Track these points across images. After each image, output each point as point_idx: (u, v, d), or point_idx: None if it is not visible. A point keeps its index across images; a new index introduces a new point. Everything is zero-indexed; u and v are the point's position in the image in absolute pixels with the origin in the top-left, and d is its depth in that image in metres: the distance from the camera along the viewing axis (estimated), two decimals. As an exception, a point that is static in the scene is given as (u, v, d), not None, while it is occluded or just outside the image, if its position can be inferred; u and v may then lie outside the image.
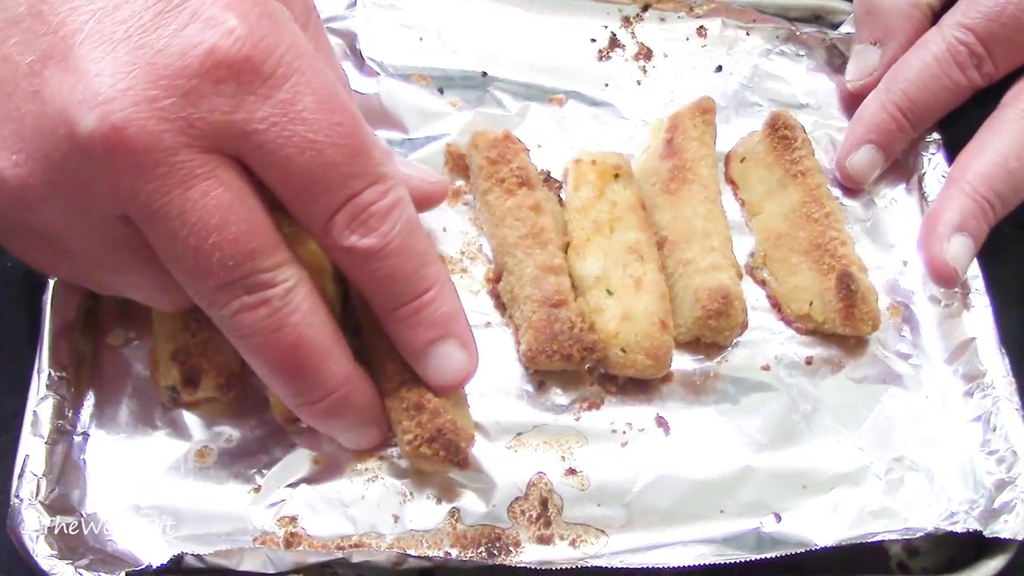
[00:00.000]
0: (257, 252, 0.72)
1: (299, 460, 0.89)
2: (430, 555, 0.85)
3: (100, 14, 0.69)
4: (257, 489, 0.87)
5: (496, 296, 0.99)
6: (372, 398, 0.85)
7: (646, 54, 1.16)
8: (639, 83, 1.14)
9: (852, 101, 1.12)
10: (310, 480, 0.88)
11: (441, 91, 1.10)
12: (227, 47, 0.69)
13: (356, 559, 0.82)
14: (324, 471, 0.89)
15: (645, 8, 1.18)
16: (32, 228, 0.75)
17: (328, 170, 0.73)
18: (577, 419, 0.94)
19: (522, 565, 0.84)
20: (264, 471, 0.88)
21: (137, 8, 0.69)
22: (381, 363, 0.87)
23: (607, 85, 1.14)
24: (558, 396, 0.95)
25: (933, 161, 1.08)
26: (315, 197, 0.74)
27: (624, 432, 0.93)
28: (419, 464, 0.87)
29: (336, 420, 0.83)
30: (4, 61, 0.70)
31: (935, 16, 1.10)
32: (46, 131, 0.69)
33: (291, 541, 0.85)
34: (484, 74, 1.12)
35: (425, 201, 0.94)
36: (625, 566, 0.84)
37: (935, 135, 1.10)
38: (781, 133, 1.04)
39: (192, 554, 0.80)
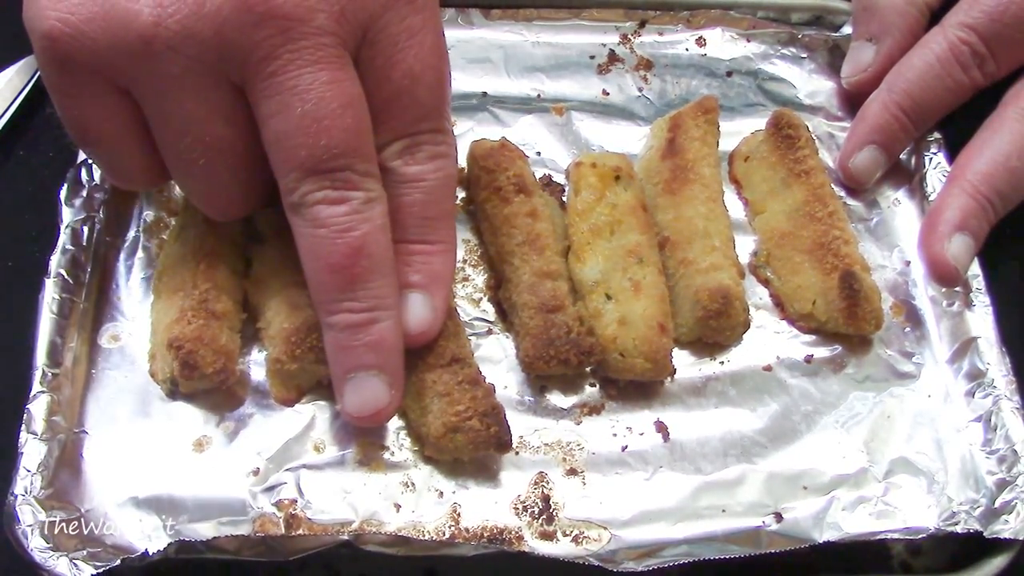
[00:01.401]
0: (358, 152, 0.77)
1: (299, 445, 0.89)
2: (433, 543, 0.84)
3: None
4: (256, 472, 0.87)
5: (497, 303, 0.99)
6: (399, 345, 0.85)
7: (646, 65, 1.17)
8: (640, 90, 1.15)
9: (854, 101, 1.13)
10: (310, 466, 0.88)
11: None
12: None
13: (359, 544, 0.81)
14: (324, 457, 0.89)
15: (642, 24, 1.19)
16: (138, 82, 0.76)
17: (413, 103, 0.81)
18: (578, 423, 0.93)
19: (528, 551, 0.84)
20: (263, 455, 0.88)
21: None
22: (434, 341, 0.89)
23: (607, 94, 1.14)
24: (559, 401, 0.95)
25: (934, 161, 1.09)
26: (391, 118, 0.81)
27: (625, 436, 0.93)
28: (448, 443, 0.86)
29: (363, 338, 0.82)
30: None
31: (932, 15, 1.10)
32: None
33: (291, 524, 0.84)
34: (484, 94, 1.12)
35: None
36: (629, 566, 0.83)
37: (936, 135, 1.10)
38: (785, 132, 1.04)
39: (191, 541, 0.80)
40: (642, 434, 0.93)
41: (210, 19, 0.72)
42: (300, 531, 0.84)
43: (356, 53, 0.78)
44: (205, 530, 0.82)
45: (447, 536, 0.85)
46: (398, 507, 0.87)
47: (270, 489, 0.86)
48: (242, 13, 0.72)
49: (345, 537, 0.80)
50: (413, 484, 0.88)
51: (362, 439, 0.89)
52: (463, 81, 1.13)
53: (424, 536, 0.85)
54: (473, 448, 0.87)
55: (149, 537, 0.83)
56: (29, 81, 1.09)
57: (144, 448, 0.88)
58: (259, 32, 0.72)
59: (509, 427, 0.87)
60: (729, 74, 1.17)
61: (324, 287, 0.81)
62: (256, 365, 0.93)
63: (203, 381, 0.87)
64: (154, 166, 0.83)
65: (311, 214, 0.78)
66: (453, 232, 0.89)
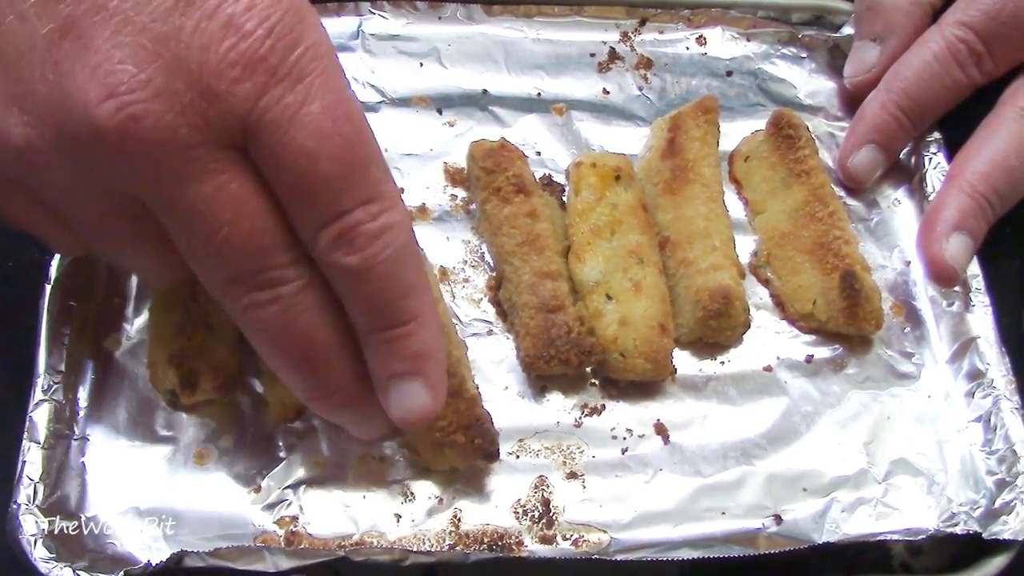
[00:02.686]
0: (269, 249, 0.71)
1: (299, 461, 0.89)
2: (433, 552, 0.85)
3: None
4: (258, 490, 0.87)
5: (497, 304, 0.99)
6: (373, 409, 0.82)
7: (646, 64, 1.16)
8: (640, 89, 1.15)
9: (854, 101, 1.12)
10: (310, 481, 0.88)
11: (440, 111, 1.11)
12: (247, 45, 0.68)
13: (357, 558, 0.82)
14: (325, 472, 0.89)
15: (643, 23, 1.19)
16: (32, 189, 0.73)
17: (321, 182, 0.70)
18: (578, 424, 0.94)
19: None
20: (264, 472, 0.88)
21: None
22: None
23: (608, 92, 1.14)
24: (560, 401, 0.95)
25: (934, 160, 1.08)
26: (305, 206, 0.71)
27: (625, 439, 0.93)
28: (438, 457, 0.87)
29: (347, 412, 0.82)
30: (21, 19, 0.68)
31: (936, 15, 1.10)
32: (60, 106, 0.67)
33: (292, 541, 0.85)
34: (484, 92, 1.12)
35: None
36: (627, 558, 0.84)
37: (936, 134, 1.10)
38: (785, 132, 1.04)
39: (192, 552, 0.80)
40: (642, 436, 0.93)
41: (74, 144, 0.68)
42: (301, 546, 0.84)
43: (245, 145, 0.70)
44: (206, 547, 0.82)
45: (448, 544, 0.86)
46: (398, 517, 0.87)
47: (271, 506, 0.87)
48: (100, 142, 0.67)
49: (343, 554, 0.81)
50: (413, 494, 0.88)
51: (362, 453, 0.90)
52: (463, 78, 1.13)
53: (425, 544, 0.85)
54: (462, 460, 0.87)
55: (150, 547, 0.83)
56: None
57: (146, 458, 0.88)
58: (124, 159, 0.67)
59: (496, 436, 0.87)
60: (729, 74, 1.16)
61: (289, 380, 0.78)
62: (256, 378, 0.93)
63: (204, 395, 0.88)
64: (80, 241, 0.79)
65: (247, 319, 0.73)
66: (428, 297, 0.78)
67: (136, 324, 0.94)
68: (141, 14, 0.67)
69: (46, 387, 0.88)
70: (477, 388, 0.90)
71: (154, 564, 0.80)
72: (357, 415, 0.82)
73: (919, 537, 0.89)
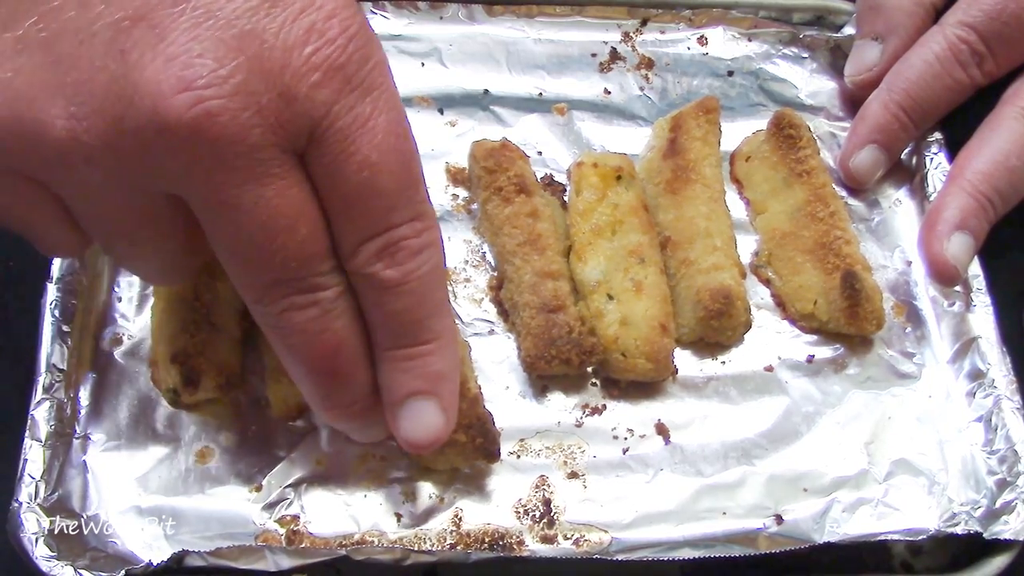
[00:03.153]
0: (318, 255, 0.71)
1: (301, 460, 0.89)
2: (435, 551, 0.85)
3: None
4: (259, 488, 0.87)
5: (499, 303, 0.99)
6: (380, 421, 0.82)
7: (648, 64, 1.17)
8: (642, 89, 1.15)
9: (856, 101, 1.12)
10: (312, 480, 0.88)
11: (441, 111, 1.11)
12: (329, 51, 0.67)
13: (358, 557, 0.82)
14: (326, 471, 0.89)
15: (644, 23, 1.19)
16: (51, 184, 0.70)
17: (377, 195, 0.71)
18: (580, 424, 0.94)
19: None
20: (266, 471, 0.88)
21: None
22: None
23: (609, 92, 1.14)
24: (561, 401, 0.95)
25: (935, 160, 1.08)
26: (356, 217, 0.71)
27: (626, 439, 0.93)
28: (440, 457, 0.87)
29: (356, 422, 0.81)
30: (83, 6, 0.66)
31: (937, 14, 1.10)
32: (123, 96, 0.65)
33: (293, 540, 0.85)
34: (486, 92, 1.12)
35: None
36: (628, 558, 0.84)
37: (937, 134, 1.10)
38: (786, 132, 1.04)
39: (194, 551, 0.80)
40: (643, 436, 0.93)
41: (131, 136, 0.65)
42: (303, 546, 0.84)
43: (304, 154, 0.69)
44: (207, 546, 0.82)
45: (449, 544, 0.86)
46: (399, 517, 0.87)
47: (272, 505, 0.87)
48: (166, 134, 0.64)
49: (344, 553, 0.80)
50: (414, 493, 0.88)
51: (363, 452, 0.90)
52: (465, 78, 1.13)
53: (426, 543, 0.86)
54: (463, 460, 0.88)
55: (151, 546, 0.83)
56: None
57: (147, 456, 0.88)
58: (188, 156, 0.65)
59: (497, 436, 0.87)
60: (730, 73, 1.16)
61: (310, 388, 0.78)
62: (258, 377, 0.93)
63: (205, 394, 0.88)
64: (82, 242, 0.77)
65: (281, 322, 0.72)
66: (449, 319, 0.79)
67: (138, 323, 0.94)
68: (223, 10, 0.65)
69: (47, 385, 0.87)
70: (479, 388, 0.90)
71: (155, 564, 0.80)
72: (363, 424, 0.82)
73: (920, 537, 0.88)
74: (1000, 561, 0.87)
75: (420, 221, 0.73)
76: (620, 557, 0.84)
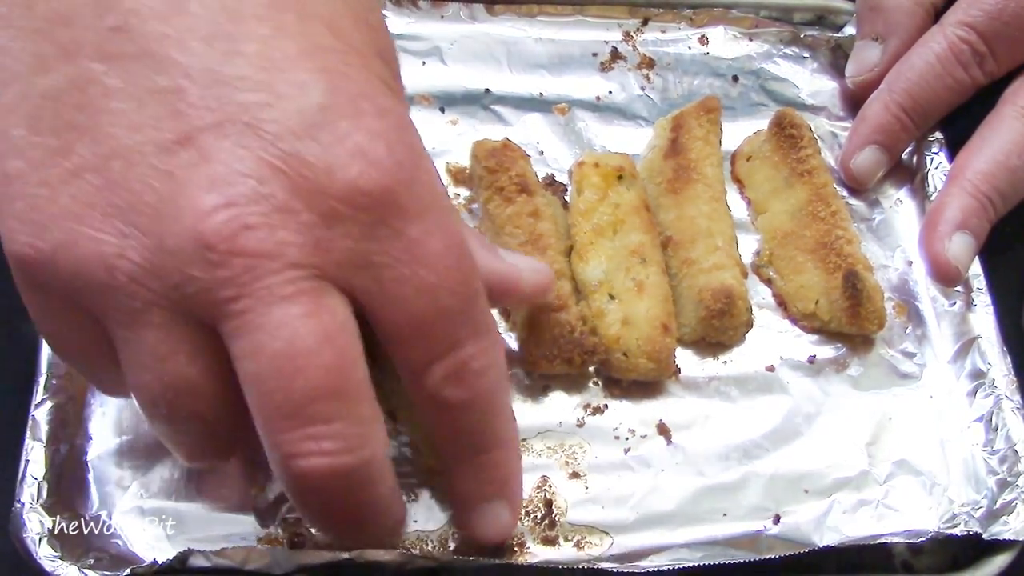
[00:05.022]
0: (343, 392, 0.66)
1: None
2: (436, 555, 0.85)
3: (253, 108, 0.64)
4: (261, 489, 0.87)
5: (500, 303, 0.99)
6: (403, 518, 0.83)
7: (648, 63, 1.17)
8: (643, 89, 1.15)
9: (857, 101, 1.12)
10: None
11: (442, 110, 1.11)
12: (373, 176, 0.65)
13: (361, 560, 0.81)
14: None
15: (645, 22, 1.19)
16: (95, 312, 0.68)
17: (440, 317, 0.68)
18: (581, 424, 0.94)
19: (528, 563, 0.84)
20: (267, 471, 0.87)
21: (289, 111, 0.64)
22: None
23: (610, 92, 1.14)
24: (562, 400, 0.95)
25: (936, 160, 1.08)
26: (419, 341, 0.69)
27: (627, 439, 0.93)
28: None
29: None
30: (131, 129, 0.65)
31: (937, 14, 1.10)
32: (168, 215, 0.64)
33: (296, 543, 0.85)
34: (487, 91, 1.12)
35: (538, 292, 0.90)
36: (630, 568, 0.84)
37: (938, 134, 1.10)
38: (787, 131, 1.04)
39: (198, 551, 0.80)
40: (644, 436, 0.93)
41: (171, 255, 0.64)
42: (305, 549, 0.84)
43: (349, 281, 0.67)
44: (210, 544, 0.82)
45: (450, 545, 0.86)
46: None
47: (274, 506, 0.86)
48: (204, 251, 0.63)
49: (347, 555, 0.80)
50: (416, 494, 0.88)
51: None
52: (466, 77, 1.13)
53: (428, 545, 0.86)
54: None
55: (153, 547, 0.83)
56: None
57: (148, 456, 0.88)
58: (222, 271, 0.63)
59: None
60: (735, 79, 1.17)
61: (322, 531, 0.78)
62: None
63: None
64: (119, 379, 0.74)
65: (295, 471, 0.67)
66: (513, 421, 0.79)
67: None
68: (267, 131, 0.64)
69: (48, 385, 0.87)
70: None
71: (160, 562, 0.80)
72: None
73: (920, 539, 0.89)
74: (1000, 561, 0.87)
75: (485, 337, 0.72)
76: (624, 569, 0.84)
